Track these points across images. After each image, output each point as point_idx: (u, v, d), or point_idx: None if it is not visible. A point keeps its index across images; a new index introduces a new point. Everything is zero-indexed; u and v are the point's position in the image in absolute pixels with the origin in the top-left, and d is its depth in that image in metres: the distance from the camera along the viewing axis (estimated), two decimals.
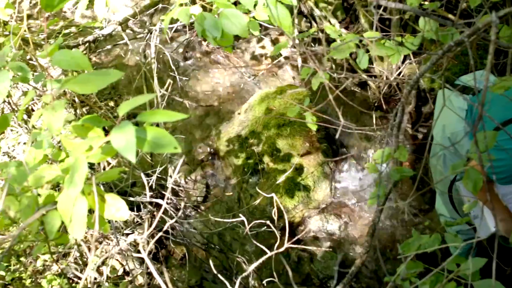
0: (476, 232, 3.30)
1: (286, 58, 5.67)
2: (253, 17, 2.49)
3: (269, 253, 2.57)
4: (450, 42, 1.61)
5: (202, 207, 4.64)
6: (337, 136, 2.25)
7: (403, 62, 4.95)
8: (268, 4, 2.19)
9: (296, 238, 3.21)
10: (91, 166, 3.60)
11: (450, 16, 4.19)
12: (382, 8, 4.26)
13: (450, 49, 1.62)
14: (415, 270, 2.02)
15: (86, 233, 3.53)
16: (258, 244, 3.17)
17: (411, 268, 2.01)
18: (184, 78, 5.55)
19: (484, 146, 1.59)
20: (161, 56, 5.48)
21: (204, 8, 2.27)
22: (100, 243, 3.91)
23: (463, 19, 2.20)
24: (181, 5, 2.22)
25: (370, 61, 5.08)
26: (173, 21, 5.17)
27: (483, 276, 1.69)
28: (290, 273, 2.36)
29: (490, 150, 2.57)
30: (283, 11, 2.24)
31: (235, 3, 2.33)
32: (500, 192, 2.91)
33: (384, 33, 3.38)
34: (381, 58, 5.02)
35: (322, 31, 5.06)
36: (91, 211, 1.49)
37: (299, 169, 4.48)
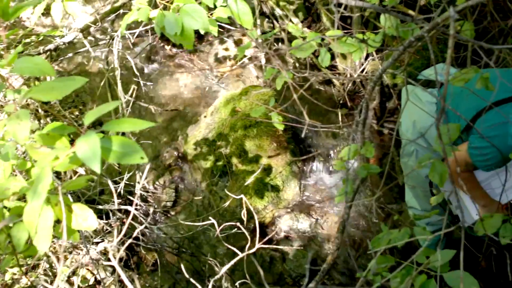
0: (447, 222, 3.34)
1: (250, 58, 5.67)
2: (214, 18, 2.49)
3: (241, 255, 2.57)
4: (411, 37, 1.63)
5: (172, 212, 4.62)
6: (303, 135, 2.26)
7: (366, 59, 4.99)
8: (228, 1, 2.19)
9: (267, 238, 3.21)
10: (57, 175, 3.56)
11: (411, 12, 4.24)
12: (343, 7, 4.30)
13: (410, 44, 1.64)
14: (386, 264, 2.04)
15: (55, 243, 3.49)
16: (229, 246, 3.17)
17: (382, 263, 2.03)
18: (148, 83, 5.52)
19: (448, 138, 1.61)
20: (124, 62, 5.44)
21: (165, 8, 2.27)
22: (70, 253, 3.86)
23: (423, 15, 2.22)
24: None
25: (334, 59, 5.11)
26: (135, 26, 5.16)
27: (455, 265, 1.71)
28: (261, 273, 2.36)
29: (474, 138, 2.62)
30: (244, 7, 2.23)
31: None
32: (478, 179, 2.96)
33: (345, 31, 3.41)
34: (344, 56, 5.06)
35: (285, 30, 5.09)
36: (59, 221, 1.47)
37: (267, 170, 4.49)
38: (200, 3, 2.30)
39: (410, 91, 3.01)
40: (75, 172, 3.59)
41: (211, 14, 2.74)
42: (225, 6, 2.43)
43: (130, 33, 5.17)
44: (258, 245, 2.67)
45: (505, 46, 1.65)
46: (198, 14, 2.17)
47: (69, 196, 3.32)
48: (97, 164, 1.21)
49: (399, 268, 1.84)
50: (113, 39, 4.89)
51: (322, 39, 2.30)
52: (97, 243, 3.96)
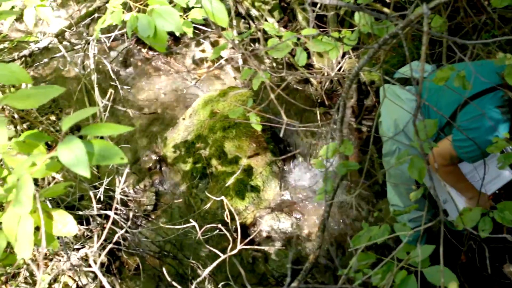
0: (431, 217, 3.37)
1: (227, 60, 5.67)
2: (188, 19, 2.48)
3: (223, 256, 2.57)
4: (385, 35, 1.64)
5: (153, 216, 4.60)
6: (281, 135, 2.26)
7: (342, 57, 5.02)
8: None
9: (248, 239, 3.21)
10: (35, 182, 3.52)
11: (385, 9, 4.27)
12: (318, 6, 4.31)
13: (385, 42, 1.65)
14: (367, 261, 2.05)
15: (34, 251, 3.45)
16: (211, 248, 3.16)
17: (363, 260, 2.04)
18: (126, 87, 5.49)
19: (424, 135, 1.62)
20: (101, 66, 5.41)
21: (139, 11, 2.26)
22: (51, 260, 3.83)
23: (398, 12, 2.24)
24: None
25: (311, 58, 5.13)
26: (110, 29, 5.13)
27: (436, 261, 1.73)
28: (243, 274, 2.36)
29: (457, 131, 2.66)
30: (218, 5, 2.23)
31: (170, 2, 2.32)
32: (462, 172, 2.99)
33: (321, 30, 3.42)
34: (320, 55, 5.08)
35: (261, 30, 5.09)
36: (38, 228, 1.46)
37: (247, 170, 4.49)
38: (174, 6, 2.29)
39: (389, 90, 3.03)
40: (53, 178, 3.55)
41: (186, 16, 2.74)
42: (200, 7, 2.42)
43: (106, 37, 5.14)
44: (240, 246, 2.67)
45: (478, 41, 1.67)
46: (171, 16, 2.16)
47: (48, 202, 3.29)
48: (86, 169, 1.21)
49: (380, 265, 1.85)
50: (88, 44, 4.86)
51: (298, 39, 2.30)
52: (78, 249, 3.93)
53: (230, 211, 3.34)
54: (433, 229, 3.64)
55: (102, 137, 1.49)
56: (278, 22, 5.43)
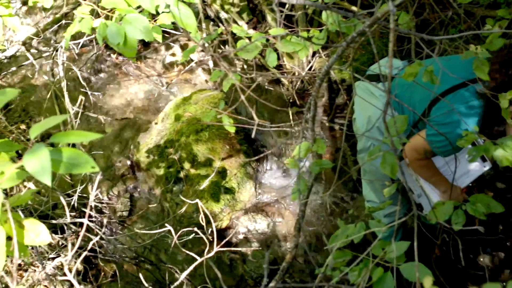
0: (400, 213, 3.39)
1: (197, 62, 5.66)
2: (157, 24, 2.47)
3: (199, 260, 2.56)
4: (353, 33, 1.65)
5: (128, 221, 4.57)
6: (253, 136, 2.26)
7: (313, 56, 5.04)
8: (170, 5, 2.18)
9: (224, 241, 3.20)
10: (4, 191, 3.48)
11: (353, 7, 4.29)
12: (286, 6, 4.32)
13: (353, 39, 1.66)
14: (343, 259, 2.06)
15: (8, 262, 3.40)
16: (187, 252, 3.15)
17: (339, 258, 2.05)
18: (96, 93, 5.45)
19: (395, 131, 1.63)
20: (70, 73, 5.36)
21: (107, 17, 2.24)
22: (26, 270, 3.78)
23: (365, 10, 2.25)
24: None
25: (281, 59, 5.14)
26: (79, 36, 5.09)
27: (411, 256, 1.74)
28: (220, 276, 2.35)
29: (428, 126, 2.69)
30: (186, 11, 2.22)
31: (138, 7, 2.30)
32: (436, 166, 3.03)
33: (291, 30, 3.43)
34: (291, 55, 5.09)
35: (231, 33, 5.09)
36: (10, 238, 1.44)
37: (222, 173, 4.48)
38: (141, 11, 2.28)
39: (362, 87, 3.05)
40: (25, 186, 3.51)
41: (155, 21, 2.72)
42: (168, 12, 2.42)
43: (75, 44, 5.10)
44: (216, 248, 2.66)
45: (445, 36, 1.68)
46: (141, 24, 2.15)
47: (20, 212, 3.25)
48: (48, 177, 1.18)
49: (355, 261, 1.86)
50: (57, 51, 4.81)
51: (267, 40, 2.31)
52: (53, 258, 3.89)
53: (205, 214, 3.33)
54: (407, 224, 3.67)
55: (74, 145, 1.48)
56: (247, 23, 5.43)
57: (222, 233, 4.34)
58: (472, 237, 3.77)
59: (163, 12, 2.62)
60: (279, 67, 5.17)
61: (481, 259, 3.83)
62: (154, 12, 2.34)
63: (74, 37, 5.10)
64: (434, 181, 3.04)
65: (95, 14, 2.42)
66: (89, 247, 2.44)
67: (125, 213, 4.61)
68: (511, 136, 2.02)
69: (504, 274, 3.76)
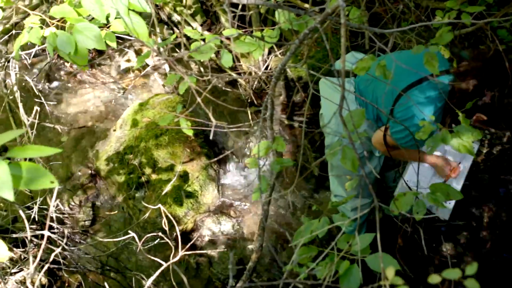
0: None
1: (153, 67, 5.63)
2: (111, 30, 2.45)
3: (165, 264, 2.55)
4: (305, 30, 1.66)
5: (92, 231, 4.52)
6: (211, 137, 2.25)
7: (268, 55, 5.05)
8: (121, 14, 2.16)
9: (189, 245, 3.20)
10: None
11: (306, 5, 4.32)
12: (239, 7, 4.33)
13: (306, 36, 1.67)
14: (309, 254, 2.07)
15: None
16: (152, 258, 3.14)
17: (304, 253, 2.06)
18: (52, 103, 5.37)
19: (352, 125, 1.65)
20: (24, 83, 5.28)
21: (58, 27, 2.21)
22: None
23: (318, 6, 2.27)
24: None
25: (237, 59, 5.14)
26: (31, 45, 5.01)
27: (376, 248, 1.76)
28: (185, 281, 2.35)
29: (392, 122, 2.72)
30: (137, 20, 2.21)
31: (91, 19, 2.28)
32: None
33: (245, 30, 3.43)
34: (245, 55, 5.09)
35: (185, 35, 5.07)
36: None
37: (183, 176, 4.46)
38: (92, 19, 2.26)
39: (328, 83, 3.07)
40: None
41: (108, 27, 2.70)
42: (120, 18, 2.40)
43: (27, 54, 5.02)
44: (181, 252, 2.65)
45: (396, 29, 1.71)
46: (91, 32, 2.13)
47: None
48: (10, 192, 1.17)
49: (320, 256, 1.88)
50: (8, 61, 4.72)
51: (221, 41, 2.30)
52: (16, 273, 3.82)
53: (168, 219, 3.32)
54: (370, 217, 3.71)
55: (31, 158, 1.45)
56: (201, 25, 5.42)
57: (187, 236, 4.33)
58: (433, 224, 3.85)
59: (115, 18, 2.60)
60: (235, 67, 5.18)
61: (444, 248, 3.90)
62: (105, 21, 2.32)
63: (26, 47, 5.02)
64: (418, 157, 3.08)
65: (45, 23, 2.39)
66: (51, 259, 2.41)
67: (87, 223, 4.56)
68: (465, 124, 2.05)
69: (467, 261, 3.84)
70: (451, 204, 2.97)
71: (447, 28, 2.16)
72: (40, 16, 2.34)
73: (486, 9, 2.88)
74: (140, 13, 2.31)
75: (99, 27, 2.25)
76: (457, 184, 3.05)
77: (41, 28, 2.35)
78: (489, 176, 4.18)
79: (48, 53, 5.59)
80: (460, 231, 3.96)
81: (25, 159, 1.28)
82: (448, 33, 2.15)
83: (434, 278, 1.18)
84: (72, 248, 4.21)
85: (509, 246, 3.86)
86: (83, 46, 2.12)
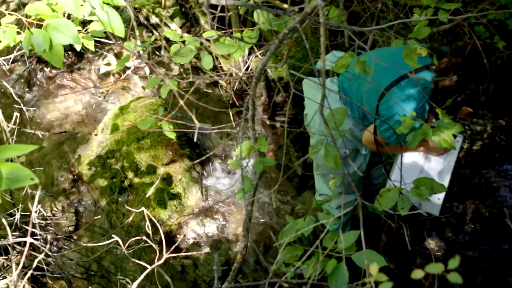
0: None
1: (134, 70, 5.60)
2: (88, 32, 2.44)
3: (149, 268, 2.54)
4: (284, 30, 1.67)
5: (75, 236, 4.49)
6: (195, 140, 2.26)
7: (249, 56, 5.05)
8: (96, 9, 2.14)
9: (173, 247, 3.19)
10: None
11: (285, 5, 4.33)
12: (218, 8, 4.32)
13: (285, 36, 1.67)
14: (295, 254, 2.08)
15: None
16: (137, 261, 3.13)
17: (290, 253, 2.07)
18: (32, 108, 5.33)
19: (333, 124, 1.66)
20: (2, 89, 5.24)
21: (37, 26, 2.19)
22: None
23: (297, 6, 2.28)
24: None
25: (218, 60, 5.14)
26: (9, 51, 4.96)
27: (361, 245, 1.77)
28: (171, 283, 2.35)
29: (378, 122, 2.74)
30: (113, 15, 2.20)
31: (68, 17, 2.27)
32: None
33: (225, 31, 3.43)
34: (226, 56, 5.09)
35: (165, 38, 5.06)
36: None
37: (167, 179, 4.45)
38: (68, 18, 2.24)
39: (311, 82, 3.07)
40: None
41: (86, 30, 2.68)
42: (96, 21, 2.39)
43: (5, 59, 4.97)
44: (166, 255, 2.65)
45: (375, 27, 1.72)
46: (67, 29, 2.11)
47: None
48: None
49: (305, 255, 1.88)
50: None
51: (201, 43, 2.30)
52: None
53: (152, 222, 3.31)
54: (354, 214, 3.72)
55: (12, 162, 1.44)
56: (181, 28, 5.41)
57: (171, 239, 4.32)
58: (417, 219, 3.88)
59: (93, 21, 2.59)
60: (216, 69, 5.17)
61: (428, 243, 3.93)
62: (80, 16, 2.30)
63: (3, 53, 4.98)
64: (413, 149, 3.09)
65: (24, 27, 2.37)
66: (34, 265, 2.39)
67: (71, 228, 4.53)
68: (445, 119, 2.07)
69: (451, 256, 3.87)
70: (440, 199, 2.97)
71: (424, 23, 2.18)
72: (17, 16, 2.31)
73: (463, 5, 2.91)
74: (116, 8, 2.29)
75: (78, 31, 2.23)
76: (444, 180, 3.06)
77: (18, 32, 2.33)
78: (470, 172, 4.21)
79: (27, 59, 5.56)
80: (444, 226, 3.99)
81: (6, 161, 1.28)
82: (426, 28, 2.17)
83: (418, 273, 1.19)
84: (56, 254, 4.18)
85: (491, 240, 3.90)
86: (58, 42, 2.10)
